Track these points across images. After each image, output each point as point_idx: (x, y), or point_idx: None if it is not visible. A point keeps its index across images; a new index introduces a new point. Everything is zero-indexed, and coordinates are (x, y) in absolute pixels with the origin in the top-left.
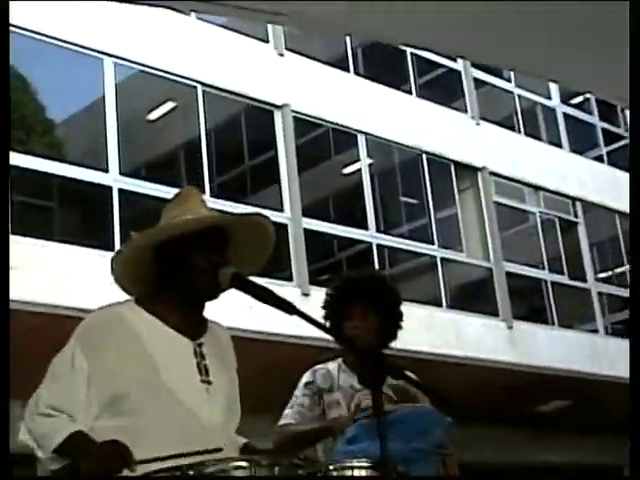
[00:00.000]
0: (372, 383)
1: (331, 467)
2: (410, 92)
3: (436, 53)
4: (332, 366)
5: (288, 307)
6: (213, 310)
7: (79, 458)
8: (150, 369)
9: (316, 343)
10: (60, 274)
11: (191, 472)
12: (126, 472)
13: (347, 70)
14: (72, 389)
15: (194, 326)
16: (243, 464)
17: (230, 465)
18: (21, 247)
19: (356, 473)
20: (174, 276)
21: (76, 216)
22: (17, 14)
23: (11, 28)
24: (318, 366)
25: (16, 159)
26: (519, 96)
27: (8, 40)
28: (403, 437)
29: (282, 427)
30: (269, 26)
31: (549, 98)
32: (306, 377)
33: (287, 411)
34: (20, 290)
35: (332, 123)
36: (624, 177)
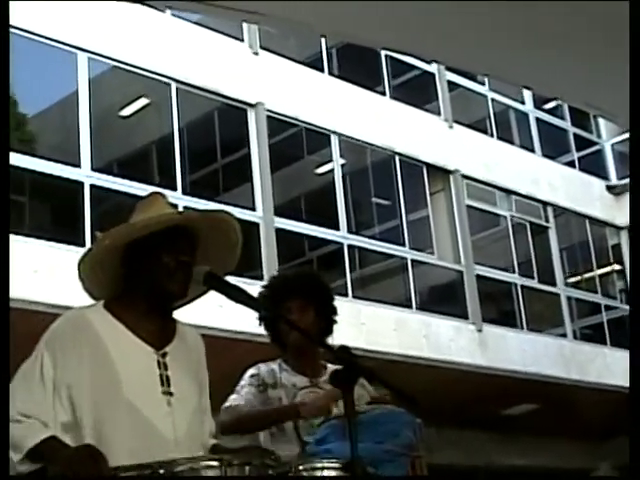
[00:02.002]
0: (344, 383)
1: (301, 467)
2: (384, 93)
3: (411, 56)
4: (273, 365)
5: (260, 306)
6: (182, 308)
7: (53, 462)
8: (112, 382)
9: None
10: (29, 269)
11: (162, 471)
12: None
13: (321, 70)
14: (41, 397)
15: (160, 333)
16: (214, 463)
17: (201, 464)
18: None
19: (326, 473)
20: (142, 277)
21: (47, 211)
22: None
23: None
24: (261, 364)
25: None
26: (492, 100)
27: (8, 40)
28: (373, 438)
29: (232, 407)
30: (244, 25)
31: (522, 102)
32: (251, 370)
33: (233, 396)
34: None
35: (305, 123)
36: (595, 183)
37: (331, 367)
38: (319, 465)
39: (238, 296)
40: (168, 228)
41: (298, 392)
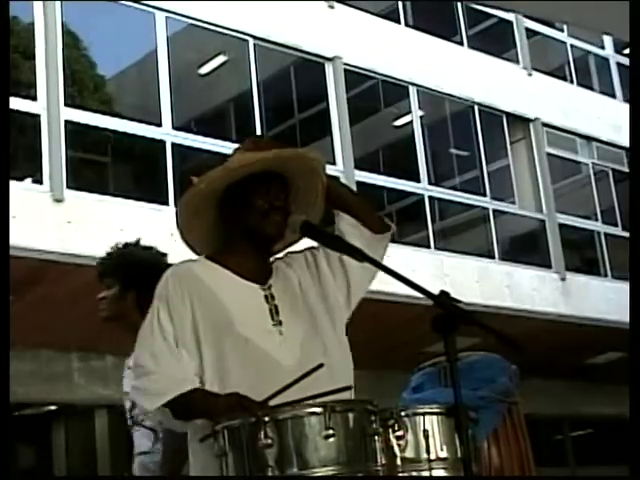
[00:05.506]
0: (445, 329)
1: (403, 413)
2: (461, 43)
3: (489, 6)
4: None
5: (357, 254)
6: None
7: (205, 411)
8: (225, 321)
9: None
10: (115, 228)
11: (266, 418)
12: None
13: (398, 22)
14: (168, 354)
15: (262, 270)
16: (317, 410)
17: (304, 412)
18: (77, 202)
19: (427, 419)
20: (238, 222)
21: (130, 170)
22: None
23: None
24: None
25: (69, 114)
26: (571, 46)
27: (8, 38)
28: (468, 385)
29: None
30: None
31: (602, 47)
32: None
33: None
34: (76, 244)
35: (383, 75)
36: None
37: None
38: (420, 410)
39: (335, 244)
40: (262, 173)
41: None
